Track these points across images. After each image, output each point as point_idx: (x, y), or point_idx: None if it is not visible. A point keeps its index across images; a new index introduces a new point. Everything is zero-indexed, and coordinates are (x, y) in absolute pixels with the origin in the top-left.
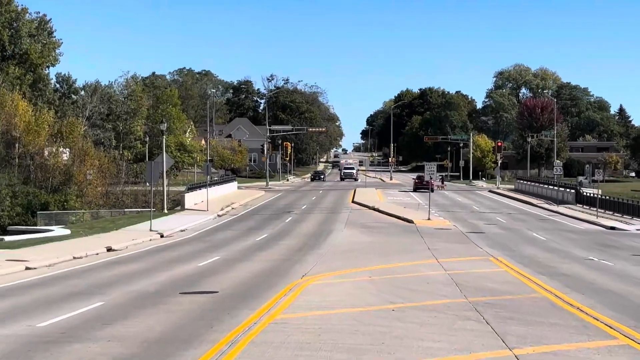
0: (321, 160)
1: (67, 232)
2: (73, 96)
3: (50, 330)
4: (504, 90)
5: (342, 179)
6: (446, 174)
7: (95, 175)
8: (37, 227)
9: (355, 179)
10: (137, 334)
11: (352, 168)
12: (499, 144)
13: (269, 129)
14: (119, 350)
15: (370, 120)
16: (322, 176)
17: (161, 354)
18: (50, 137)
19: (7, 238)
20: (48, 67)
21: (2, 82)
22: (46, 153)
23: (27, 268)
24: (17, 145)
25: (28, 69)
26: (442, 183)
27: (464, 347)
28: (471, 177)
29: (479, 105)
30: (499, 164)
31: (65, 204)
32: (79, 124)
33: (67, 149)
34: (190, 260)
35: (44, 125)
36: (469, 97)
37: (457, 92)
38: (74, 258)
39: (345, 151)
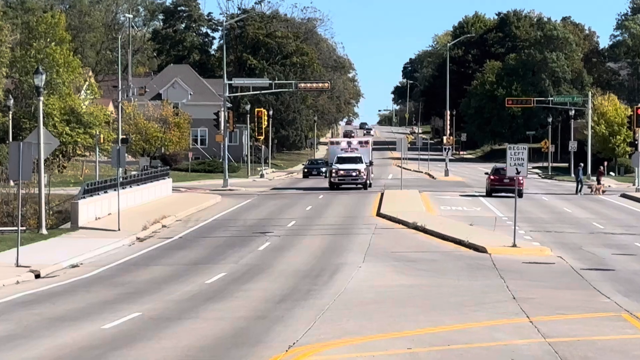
0: (322, 140)
1: None
2: None
3: None
4: None
5: (334, 185)
6: (544, 164)
7: None
8: None
9: (366, 184)
10: None
11: (357, 160)
12: None
13: (229, 85)
14: None
15: (410, 71)
16: (323, 169)
17: None
18: None
19: None
20: None
21: None
22: None
23: None
24: None
25: None
26: (599, 183)
27: None
28: (590, 171)
29: (604, 43)
30: None
31: None
32: None
33: None
34: (89, 319)
35: None
36: (586, 28)
37: (563, 19)
38: None
39: (367, 129)
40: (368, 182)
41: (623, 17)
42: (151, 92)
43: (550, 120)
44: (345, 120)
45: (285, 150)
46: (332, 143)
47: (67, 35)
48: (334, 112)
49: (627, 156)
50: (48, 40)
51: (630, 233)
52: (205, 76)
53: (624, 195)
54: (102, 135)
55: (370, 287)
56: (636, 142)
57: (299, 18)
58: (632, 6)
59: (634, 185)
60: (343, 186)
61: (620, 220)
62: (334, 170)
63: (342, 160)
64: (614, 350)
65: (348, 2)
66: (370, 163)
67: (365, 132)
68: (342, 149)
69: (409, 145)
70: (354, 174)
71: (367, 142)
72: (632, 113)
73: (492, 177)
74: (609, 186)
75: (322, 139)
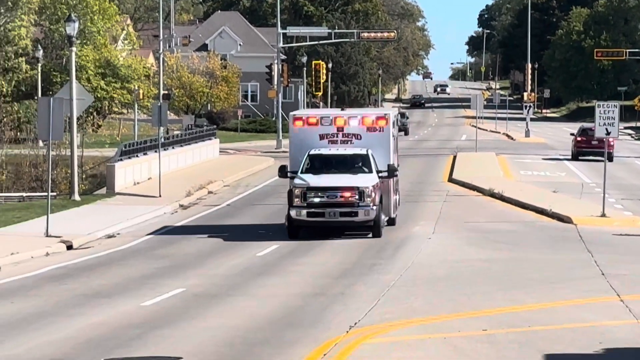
0: (386, 97)
1: None
2: None
3: None
4: None
5: (296, 226)
6: (637, 124)
7: None
8: None
9: (377, 225)
10: None
11: (355, 163)
12: None
13: (284, 34)
14: None
15: (487, 19)
16: (402, 122)
17: None
18: None
19: None
20: None
21: None
22: None
23: None
24: None
25: None
26: None
27: None
28: None
29: None
30: None
31: None
32: None
33: None
34: (126, 296)
35: None
36: None
37: None
38: None
39: (442, 87)
40: (383, 217)
41: None
42: (196, 42)
43: None
44: (417, 74)
45: (346, 107)
46: (299, 121)
47: None
48: (401, 65)
49: None
50: None
51: None
52: (257, 24)
53: None
54: (141, 91)
55: (441, 262)
56: None
57: None
58: None
59: None
60: (319, 227)
61: None
62: (297, 191)
63: (319, 163)
64: None
65: None
66: (390, 172)
67: (439, 91)
68: (321, 137)
69: (485, 103)
70: (343, 198)
71: (381, 121)
72: None
73: (578, 138)
74: None
75: (387, 95)
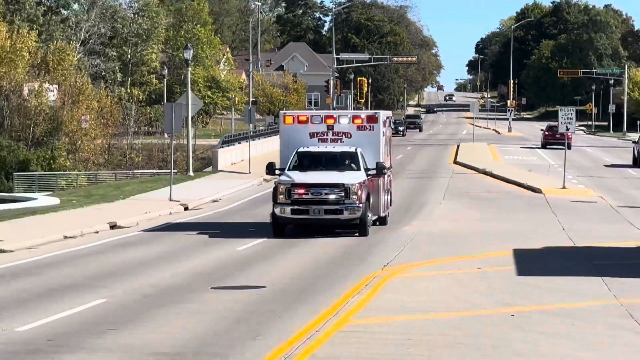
0: (410, 103)
1: (55, 201)
2: (63, 11)
3: (31, 336)
4: None
5: (281, 224)
6: (588, 123)
7: (93, 122)
8: (14, 195)
9: (363, 223)
10: (148, 344)
11: (344, 161)
12: None
13: (337, 58)
14: None
15: (481, 47)
16: (400, 128)
17: None
18: (32, 68)
19: None
20: None
21: None
22: (25, 91)
23: None
24: None
25: None
26: None
27: None
28: (625, 128)
29: (638, 25)
30: None
31: (51, 162)
32: (72, 51)
33: (55, 86)
34: (225, 243)
35: (22, 52)
36: (624, 13)
37: (605, 6)
38: (65, 238)
39: (449, 97)
40: (370, 216)
41: None
42: (275, 64)
43: (593, 87)
44: (428, 87)
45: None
46: (289, 118)
47: (210, 19)
48: (420, 80)
49: None
50: (194, 22)
51: None
52: (318, 52)
53: None
54: (236, 98)
55: (449, 220)
56: None
57: (393, 5)
58: None
59: None
60: (304, 224)
61: None
62: (281, 188)
63: (307, 161)
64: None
65: None
66: (379, 170)
67: (447, 99)
68: (312, 135)
69: (479, 107)
70: (330, 196)
71: (372, 120)
72: None
73: (546, 132)
74: None
75: (410, 102)
